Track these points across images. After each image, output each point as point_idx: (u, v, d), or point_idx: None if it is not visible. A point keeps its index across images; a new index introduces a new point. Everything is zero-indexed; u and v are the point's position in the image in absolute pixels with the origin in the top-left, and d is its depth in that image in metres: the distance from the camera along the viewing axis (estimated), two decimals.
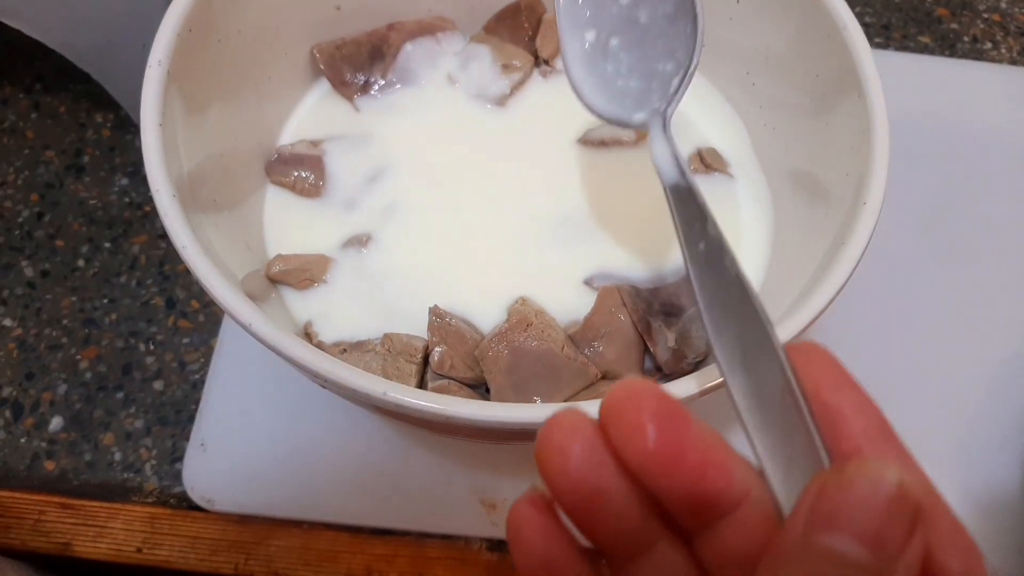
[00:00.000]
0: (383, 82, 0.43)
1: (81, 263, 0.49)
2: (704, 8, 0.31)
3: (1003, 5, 0.59)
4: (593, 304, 0.36)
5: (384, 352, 0.34)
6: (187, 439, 0.43)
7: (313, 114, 0.43)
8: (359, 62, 0.43)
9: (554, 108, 0.44)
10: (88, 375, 0.46)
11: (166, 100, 0.32)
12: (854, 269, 0.31)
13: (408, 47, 0.44)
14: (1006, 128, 0.53)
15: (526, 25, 0.45)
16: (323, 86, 0.44)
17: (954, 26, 0.58)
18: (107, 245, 0.49)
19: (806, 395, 0.18)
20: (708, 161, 0.41)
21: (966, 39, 0.58)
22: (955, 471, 0.43)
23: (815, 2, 0.37)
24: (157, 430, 0.45)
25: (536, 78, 0.45)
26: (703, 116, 0.44)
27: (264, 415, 0.43)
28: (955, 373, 0.46)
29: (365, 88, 0.43)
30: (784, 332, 0.29)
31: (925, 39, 0.58)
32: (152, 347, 0.47)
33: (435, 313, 0.35)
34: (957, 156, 0.53)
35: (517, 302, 0.36)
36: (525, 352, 0.34)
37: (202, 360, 0.46)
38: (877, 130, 0.33)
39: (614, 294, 0.36)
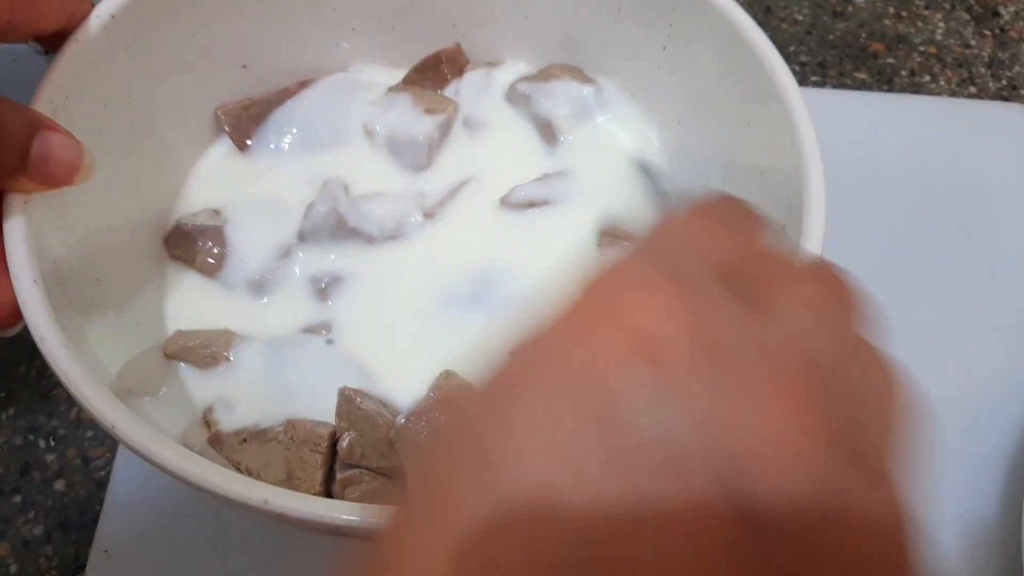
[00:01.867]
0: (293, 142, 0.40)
1: None
2: None
3: (938, 37, 0.58)
4: None
5: (287, 441, 0.31)
6: (91, 544, 0.39)
7: (215, 179, 0.39)
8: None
9: (477, 167, 0.41)
10: None
11: None
12: None
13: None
14: (947, 161, 0.52)
15: (447, 75, 0.43)
16: (226, 147, 0.40)
17: (891, 60, 0.57)
18: None
19: None
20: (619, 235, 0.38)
21: (903, 73, 0.57)
22: (933, 500, 0.41)
23: (741, 46, 0.34)
24: (58, 536, 0.41)
25: (460, 130, 0.42)
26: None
27: (173, 516, 0.39)
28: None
29: (275, 149, 0.40)
30: None
31: (862, 75, 0.56)
32: (53, 443, 0.43)
33: (344, 396, 0.31)
34: (899, 191, 0.51)
35: (441, 376, 0.33)
36: None
37: (108, 455, 0.42)
38: (812, 179, 0.31)
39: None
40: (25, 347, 0.45)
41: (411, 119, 0.40)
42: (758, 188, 0.36)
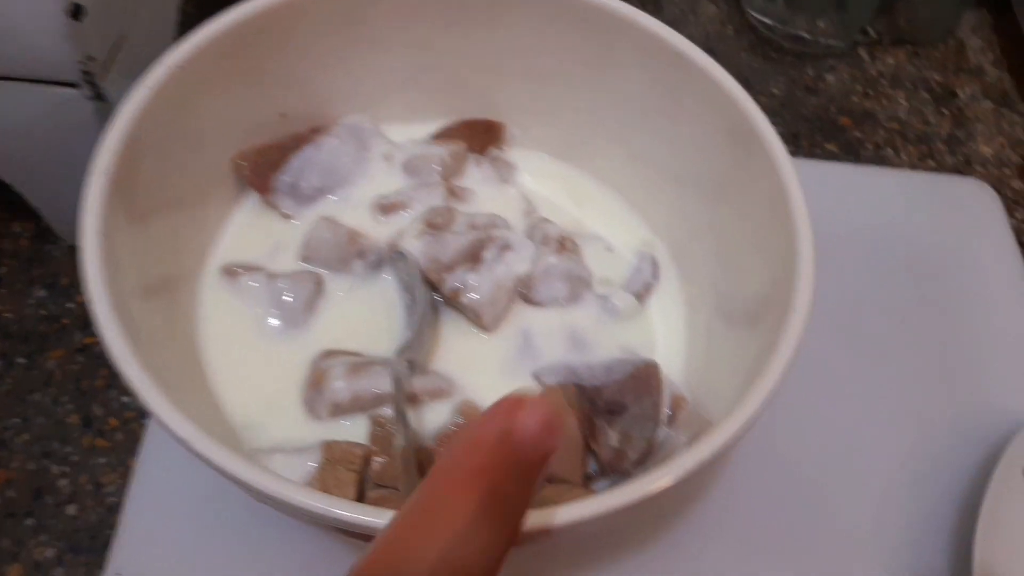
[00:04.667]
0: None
1: None
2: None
3: (901, 115, 0.63)
4: None
5: (323, 461, 0.33)
6: (101, 567, 0.40)
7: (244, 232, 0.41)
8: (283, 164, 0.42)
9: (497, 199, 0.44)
10: None
11: (108, 211, 0.31)
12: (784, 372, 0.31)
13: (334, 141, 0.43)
14: (907, 229, 0.56)
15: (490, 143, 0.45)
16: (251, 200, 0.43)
17: (858, 134, 0.62)
18: (21, 361, 0.47)
19: None
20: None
21: (869, 146, 0.62)
22: (882, 564, 0.43)
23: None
24: (69, 559, 0.41)
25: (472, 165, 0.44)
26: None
27: (190, 541, 0.40)
28: (877, 467, 0.46)
29: (294, 192, 0.42)
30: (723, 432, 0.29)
31: (832, 147, 0.61)
32: (66, 469, 0.44)
33: (377, 423, 0.34)
34: (862, 255, 0.54)
35: (465, 404, 0.35)
36: None
37: (119, 482, 0.44)
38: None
39: (559, 394, 0.36)
40: (42, 375, 0.46)
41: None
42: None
